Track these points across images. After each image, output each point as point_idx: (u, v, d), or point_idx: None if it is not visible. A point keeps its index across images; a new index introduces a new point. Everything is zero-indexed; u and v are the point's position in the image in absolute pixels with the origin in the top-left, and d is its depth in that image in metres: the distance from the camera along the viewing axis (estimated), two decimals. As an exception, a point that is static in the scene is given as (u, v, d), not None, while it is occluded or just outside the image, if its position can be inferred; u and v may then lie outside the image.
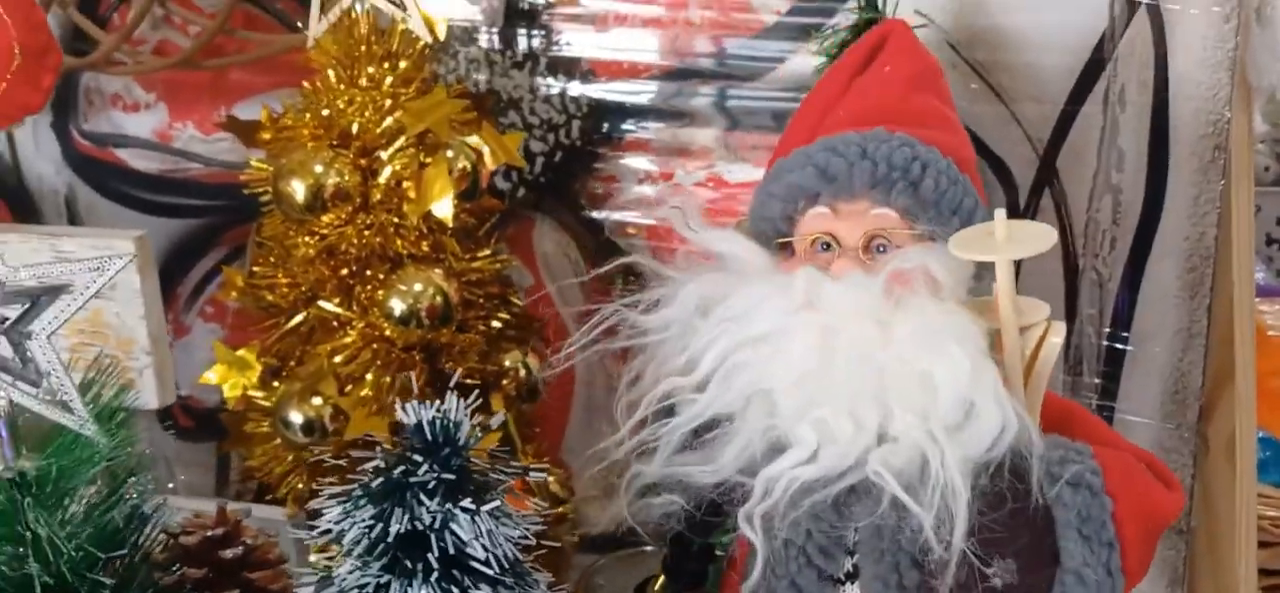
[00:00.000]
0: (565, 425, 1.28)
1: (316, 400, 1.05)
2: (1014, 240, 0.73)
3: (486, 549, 0.63)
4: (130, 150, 1.32)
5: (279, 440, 1.08)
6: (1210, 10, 1.07)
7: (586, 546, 1.21)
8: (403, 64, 1.06)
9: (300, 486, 1.07)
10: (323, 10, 1.05)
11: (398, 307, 1.03)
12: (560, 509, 1.12)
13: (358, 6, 1.04)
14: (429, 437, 0.64)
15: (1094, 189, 1.12)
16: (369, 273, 1.06)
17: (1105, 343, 1.15)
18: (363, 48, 1.05)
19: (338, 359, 1.06)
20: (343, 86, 1.06)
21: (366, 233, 1.05)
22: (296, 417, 1.05)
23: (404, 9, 1.02)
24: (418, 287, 1.04)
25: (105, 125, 1.32)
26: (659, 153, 1.20)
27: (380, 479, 0.63)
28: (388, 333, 1.05)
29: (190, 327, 1.34)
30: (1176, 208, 1.11)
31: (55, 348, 0.76)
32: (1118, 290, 1.14)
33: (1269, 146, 1.94)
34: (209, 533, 0.82)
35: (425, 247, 1.06)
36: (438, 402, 0.64)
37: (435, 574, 0.63)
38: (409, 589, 0.63)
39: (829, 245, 0.78)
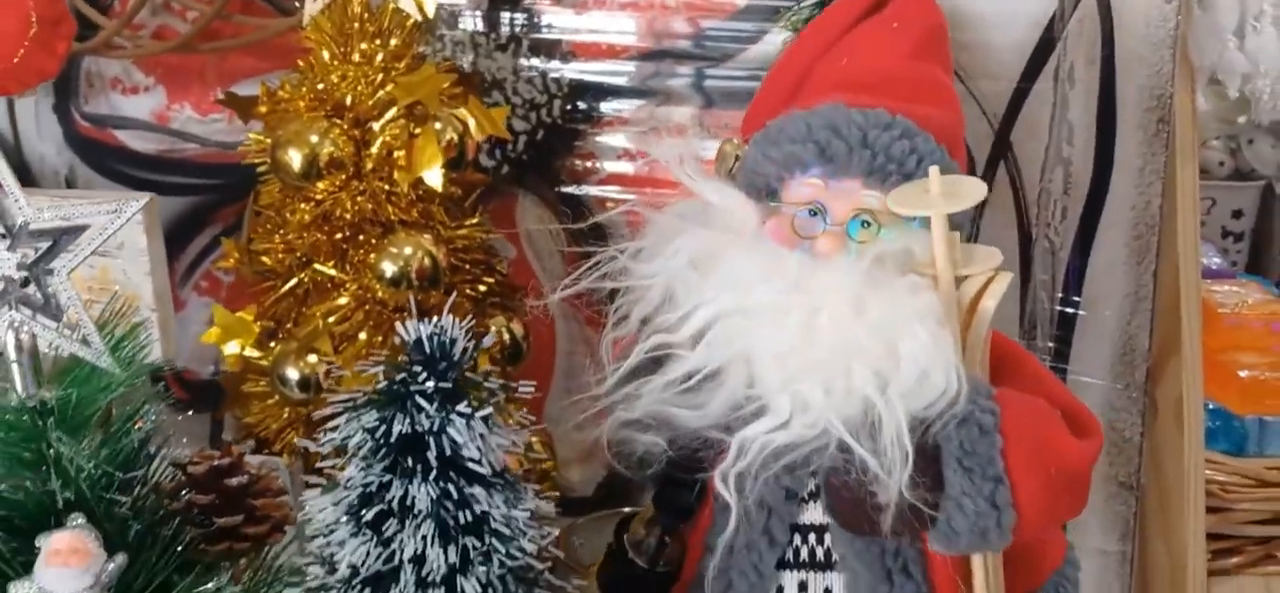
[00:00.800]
0: (546, 394, 1.33)
1: (312, 358, 1.11)
2: (947, 195, 0.80)
3: (480, 452, 0.69)
4: (129, 131, 1.37)
5: (276, 398, 1.13)
6: (1153, -8, 1.15)
7: (567, 507, 1.26)
8: (393, 42, 1.12)
9: (296, 439, 1.12)
10: (318, -9, 1.11)
11: (389, 269, 1.09)
12: (546, 465, 1.18)
13: (351, -17, 1.10)
14: (427, 350, 0.69)
15: (1046, 161, 1.19)
16: (362, 238, 1.12)
17: (1058, 308, 1.22)
18: (356, 25, 1.11)
19: (332, 319, 1.11)
20: (336, 62, 1.12)
21: (359, 199, 1.11)
22: (293, 374, 1.10)
23: (393, -17, 1.09)
24: (408, 250, 1.10)
25: (105, 107, 1.37)
26: (636, 131, 1.27)
27: (383, 386, 0.69)
28: (379, 294, 1.11)
29: (186, 301, 1.38)
30: (1123, 179, 1.18)
31: (74, 286, 0.82)
32: (1069, 257, 1.21)
33: (1223, 143, 2.03)
34: (215, 463, 0.88)
35: (415, 213, 1.12)
36: (435, 319, 0.70)
37: (433, 473, 0.69)
38: (409, 487, 0.69)
39: (815, 212, 0.85)
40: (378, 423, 0.69)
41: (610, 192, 1.28)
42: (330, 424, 0.72)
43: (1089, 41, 1.16)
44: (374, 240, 1.11)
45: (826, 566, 0.85)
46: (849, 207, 0.83)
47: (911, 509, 0.76)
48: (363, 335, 1.12)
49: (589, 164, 1.28)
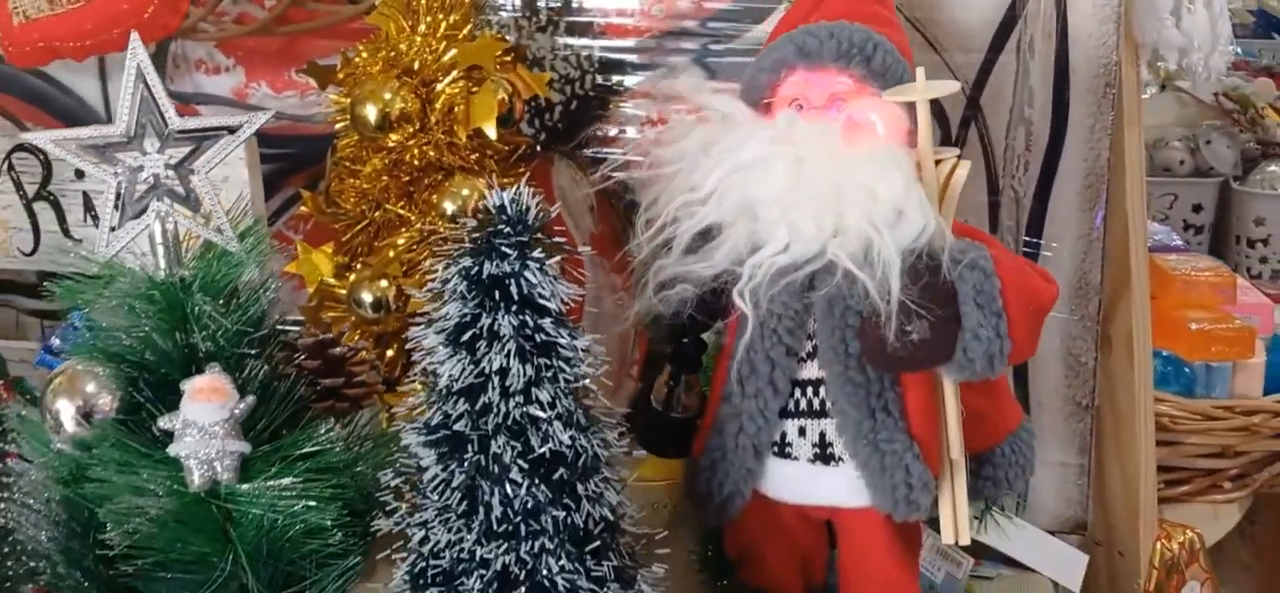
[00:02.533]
0: (578, 334, 1.52)
1: (383, 283, 1.29)
2: (930, 88, 0.99)
3: (550, 291, 0.88)
4: (211, 107, 1.56)
5: (352, 320, 1.32)
6: (1100, -24, 1.35)
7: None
8: (454, 17, 1.32)
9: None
10: (391, -27, 1.31)
11: (450, 206, 1.27)
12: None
13: (418, -32, 1.30)
14: (508, 211, 0.89)
15: (1010, 122, 1.39)
16: (426, 181, 1.31)
17: (1023, 249, 1.41)
18: (422, 2, 1.32)
19: (400, 245, 1.30)
20: (405, 33, 1.32)
21: (425, 148, 1.30)
22: (367, 296, 1.29)
23: (455, -31, 1.29)
24: (465, 191, 1.28)
25: (189, 86, 1.56)
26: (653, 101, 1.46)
27: (476, 235, 0.88)
28: (441, 229, 1.30)
29: (264, 253, 1.57)
30: (1076, 137, 1.37)
31: (212, 183, 1.01)
32: (1030, 205, 1.39)
33: (1183, 143, 2.23)
34: (321, 336, 1.07)
35: (472, 160, 1.31)
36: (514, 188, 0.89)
37: (515, 306, 0.88)
38: (496, 317, 0.87)
39: (801, 107, 1.04)
40: (472, 266, 0.88)
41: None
42: (431, 272, 0.91)
43: (1046, 18, 1.35)
44: (436, 183, 1.30)
45: (821, 414, 1.04)
46: (826, 91, 1.03)
47: (921, 344, 0.95)
48: (427, 263, 1.30)
49: (615, 131, 1.48)
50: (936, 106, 1.40)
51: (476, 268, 0.88)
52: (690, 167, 1.02)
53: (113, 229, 0.99)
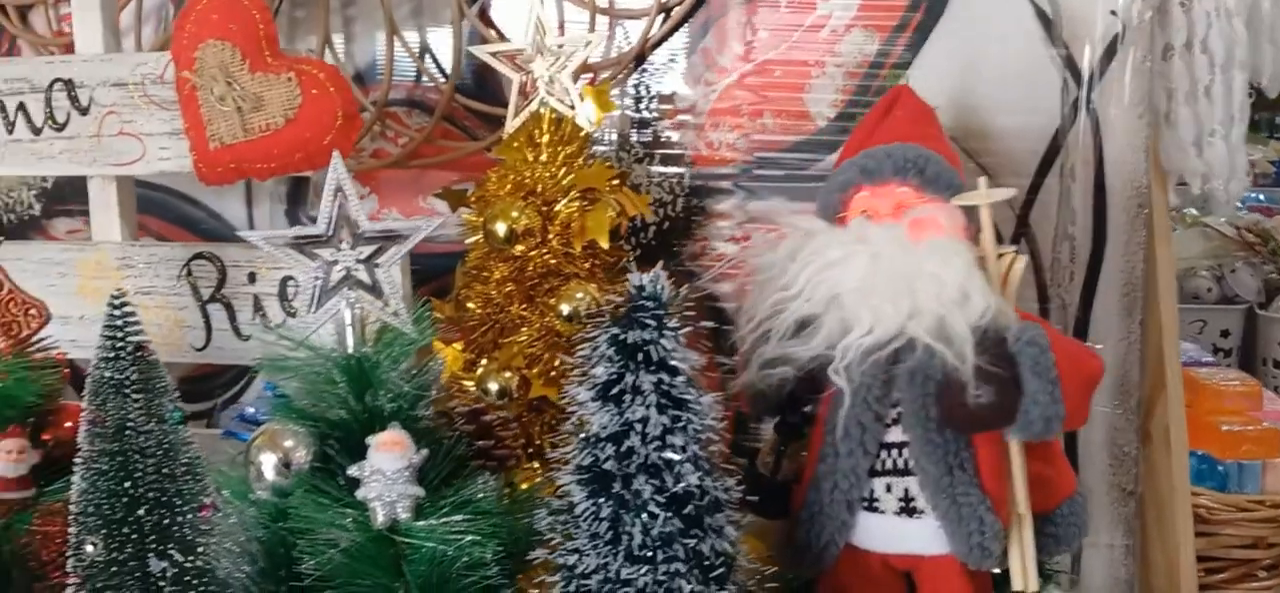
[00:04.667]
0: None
1: (507, 374, 1.48)
2: (991, 194, 1.19)
3: (682, 357, 1.07)
4: (345, 232, 1.78)
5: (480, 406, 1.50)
6: (1131, 113, 1.54)
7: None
8: (572, 147, 1.53)
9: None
10: (516, 113, 1.53)
11: (566, 309, 1.47)
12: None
13: (541, 108, 1.52)
14: (647, 290, 1.08)
15: (1056, 238, 1.57)
16: (545, 286, 1.51)
17: (1069, 351, 1.58)
18: (544, 137, 1.53)
19: (523, 341, 1.49)
20: (529, 163, 1.53)
21: (546, 257, 1.50)
22: (494, 385, 1.47)
23: (573, 109, 1.50)
24: (579, 295, 1.48)
25: (328, 212, 1.78)
26: (737, 221, 1.67)
27: (623, 310, 1.08)
28: (558, 328, 1.49)
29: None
30: (1114, 250, 1.56)
31: (393, 277, 1.21)
32: (1076, 311, 1.58)
33: (1210, 272, 2.41)
34: (475, 405, 1.25)
35: (585, 268, 1.51)
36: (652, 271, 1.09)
37: (653, 367, 1.06)
38: (637, 375, 1.06)
39: (870, 217, 1.24)
40: (619, 334, 1.07)
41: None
42: (583, 342, 1.10)
43: (1085, 147, 1.55)
44: (554, 288, 1.50)
45: (905, 472, 1.21)
46: (890, 202, 1.22)
47: (988, 407, 1.13)
48: (545, 356, 1.50)
49: (702, 246, 1.68)
50: (989, 226, 1.60)
51: (622, 335, 1.07)
52: (779, 271, 1.22)
53: (310, 312, 1.19)
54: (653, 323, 1.07)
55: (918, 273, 1.16)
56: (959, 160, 1.28)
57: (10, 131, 1.58)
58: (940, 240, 1.18)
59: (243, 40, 1.39)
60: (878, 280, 1.17)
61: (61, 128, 1.57)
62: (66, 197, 1.94)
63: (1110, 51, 1.53)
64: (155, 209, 1.87)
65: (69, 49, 1.65)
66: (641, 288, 1.08)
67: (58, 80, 1.56)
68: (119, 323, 1.25)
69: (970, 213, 1.22)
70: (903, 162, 1.23)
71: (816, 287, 1.19)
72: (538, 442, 1.47)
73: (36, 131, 1.58)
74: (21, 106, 1.58)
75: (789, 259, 1.23)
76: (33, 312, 1.48)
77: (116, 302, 1.25)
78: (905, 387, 1.18)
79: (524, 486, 1.33)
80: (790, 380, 1.20)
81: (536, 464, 1.44)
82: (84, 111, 1.55)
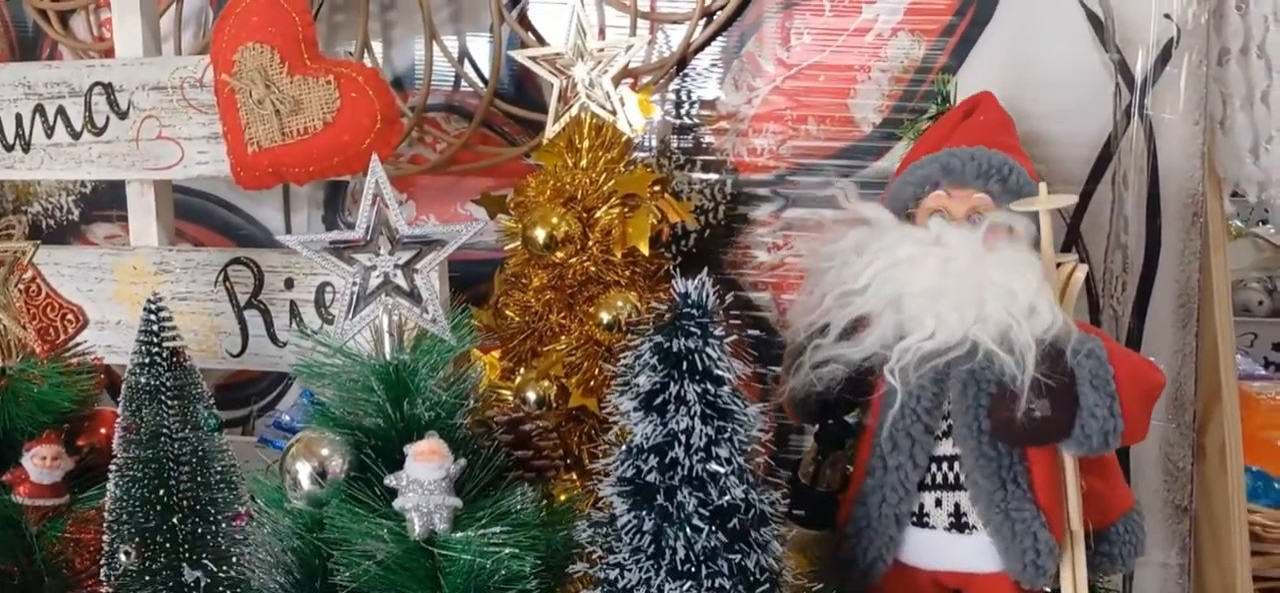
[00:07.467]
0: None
1: (546, 383, 1.46)
2: (1052, 199, 1.16)
3: (727, 366, 1.04)
4: (383, 237, 1.76)
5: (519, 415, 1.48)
6: (1186, 119, 1.50)
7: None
8: (613, 152, 1.51)
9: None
10: (556, 118, 1.50)
11: (606, 317, 1.44)
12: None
13: (582, 113, 1.49)
14: (692, 298, 1.05)
15: (1108, 248, 1.54)
16: (585, 294, 1.48)
17: (1122, 363, 1.54)
18: (585, 142, 1.50)
19: (561, 349, 1.47)
20: (568, 169, 1.51)
21: (585, 264, 1.48)
22: (532, 394, 1.45)
23: (614, 114, 1.48)
24: (619, 303, 1.45)
25: (364, 218, 1.77)
26: (777, 228, 1.64)
27: (668, 316, 1.05)
28: (598, 336, 1.46)
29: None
30: (1168, 260, 1.52)
31: (432, 283, 1.18)
32: (1129, 321, 1.54)
33: (1261, 284, 2.36)
34: (514, 415, 1.23)
35: (625, 276, 1.49)
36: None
37: (698, 376, 1.03)
38: (681, 385, 1.03)
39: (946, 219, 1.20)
40: (663, 342, 1.04)
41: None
42: (624, 351, 1.08)
43: (1138, 154, 1.51)
44: (594, 295, 1.48)
45: (956, 486, 1.18)
46: (965, 206, 1.19)
47: (1044, 420, 1.09)
48: (584, 365, 1.47)
49: (743, 254, 1.65)
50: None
51: (667, 343, 1.04)
52: (842, 264, 1.18)
53: (347, 318, 1.16)
54: (698, 331, 1.04)
55: (988, 282, 1.12)
56: (1038, 176, 1.24)
57: (49, 136, 1.57)
58: (1012, 252, 1.15)
59: (282, 43, 1.37)
60: (947, 285, 1.14)
61: (100, 132, 1.56)
62: (106, 203, 1.94)
63: (1164, 56, 1.50)
64: (198, 217, 1.86)
65: (109, 54, 1.64)
66: (687, 295, 1.05)
67: (97, 84, 1.55)
68: (155, 328, 1.23)
69: (1028, 219, 1.18)
70: (987, 166, 1.20)
71: (883, 284, 1.16)
72: (576, 452, 1.45)
73: (75, 136, 1.57)
74: (61, 110, 1.57)
75: (854, 252, 1.20)
76: (70, 316, 1.47)
77: (152, 307, 1.24)
78: (957, 398, 1.15)
79: (562, 497, 1.30)
80: (838, 382, 1.17)
81: (574, 475, 1.42)
82: (123, 115, 1.54)
